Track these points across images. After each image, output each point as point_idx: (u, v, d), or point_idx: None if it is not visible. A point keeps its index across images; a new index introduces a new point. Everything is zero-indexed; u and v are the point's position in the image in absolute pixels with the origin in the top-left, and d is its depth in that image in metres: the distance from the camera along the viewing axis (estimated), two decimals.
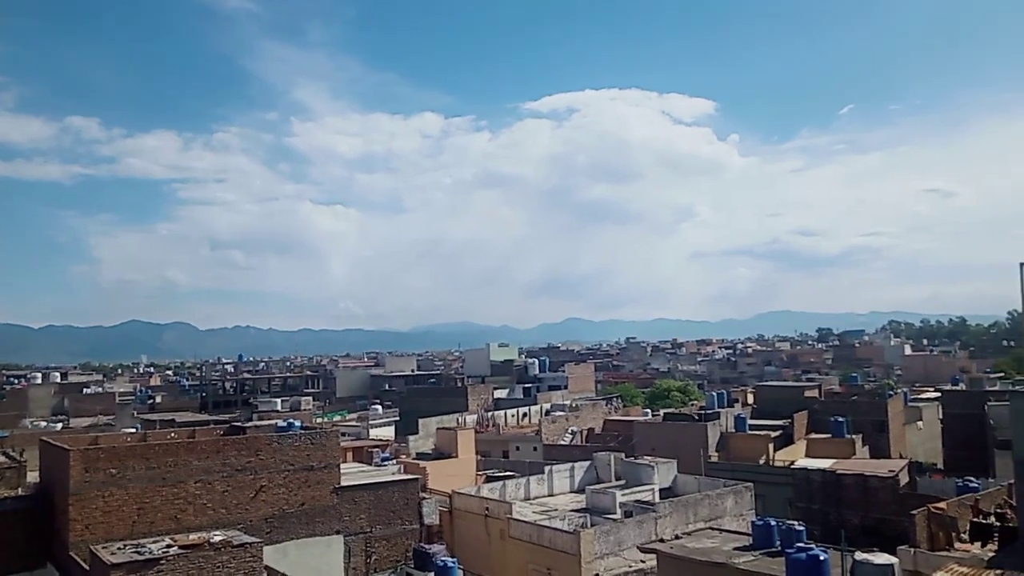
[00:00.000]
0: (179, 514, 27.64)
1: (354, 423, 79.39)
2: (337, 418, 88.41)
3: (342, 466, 34.53)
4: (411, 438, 62.24)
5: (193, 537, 23.86)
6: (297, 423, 39.19)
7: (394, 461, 46.96)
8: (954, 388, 74.01)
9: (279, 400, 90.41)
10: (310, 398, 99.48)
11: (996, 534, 25.59)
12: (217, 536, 23.69)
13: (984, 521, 27.52)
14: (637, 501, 35.58)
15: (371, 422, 77.26)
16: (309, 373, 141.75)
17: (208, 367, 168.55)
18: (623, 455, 44.59)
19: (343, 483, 32.40)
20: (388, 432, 73.66)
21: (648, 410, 79.99)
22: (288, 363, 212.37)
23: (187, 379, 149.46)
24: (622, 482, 40.12)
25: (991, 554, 23.21)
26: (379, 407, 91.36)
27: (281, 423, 41.55)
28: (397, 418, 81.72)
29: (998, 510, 28.73)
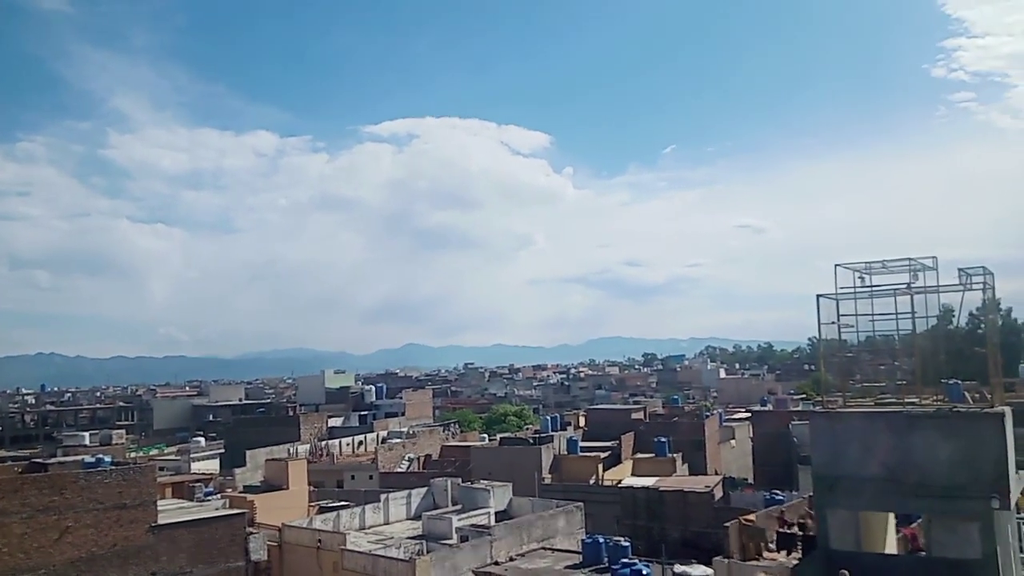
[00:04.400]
0: None
1: (174, 457, 74.30)
2: (154, 452, 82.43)
3: (160, 503, 32.38)
4: (238, 471, 59.15)
5: None
6: (107, 458, 36.14)
7: (218, 496, 44.41)
8: (763, 408, 79.85)
9: (87, 434, 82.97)
10: (123, 431, 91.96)
11: (799, 543, 27.83)
12: None
13: (789, 531, 29.88)
14: (473, 525, 35.70)
15: (193, 455, 72.56)
16: (123, 404, 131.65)
17: (5, 398, 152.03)
18: (460, 480, 44.67)
19: (160, 521, 30.24)
20: (212, 465, 69.50)
21: (485, 435, 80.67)
22: (99, 393, 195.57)
23: None
24: (459, 507, 40.13)
25: (795, 562, 25.22)
26: (202, 439, 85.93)
27: (89, 459, 38.12)
28: (222, 450, 77.39)
29: (800, 521, 31.24)
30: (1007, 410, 18.72)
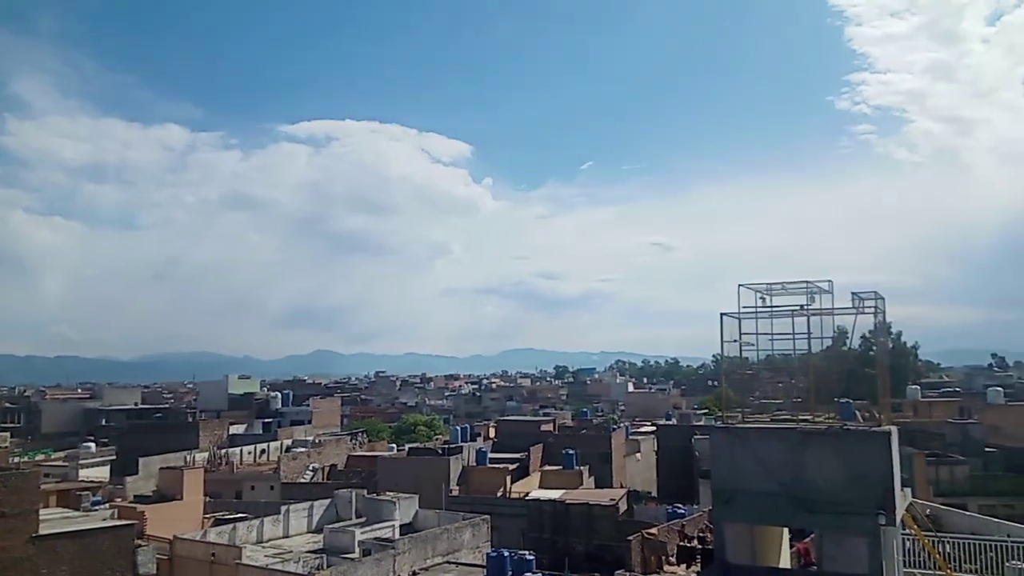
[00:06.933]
0: None
1: (61, 463, 70.28)
2: (40, 457, 77.88)
3: (43, 512, 30.47)
4: (129, 479, 56.41)
5: None
6: None
7: (107, 505, 42.28)
8: (667, 423, 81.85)
9: None
10: (8, 434, 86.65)
11: (698, 556, 28.50)
12: None
13: (689, 544, 30.60)
14: (376, 538, 35.04)
15: (82, 461, 68.78)
16: (8, 405, 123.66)
17: None
18: (365, 492, 43.83)
19: (42, 531, 28.44)
20: (103, 472, 66.03)
21: (394, 445, 79.57)
22: None
23: None
24: (363, 519, 39.36)
25: (694, 575, 25.76)
26: (92, 445, 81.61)
27: None
28: (114, 457, 73.69)
29: (700, 534, 32.10)
30: (894, 429, 19.53)
